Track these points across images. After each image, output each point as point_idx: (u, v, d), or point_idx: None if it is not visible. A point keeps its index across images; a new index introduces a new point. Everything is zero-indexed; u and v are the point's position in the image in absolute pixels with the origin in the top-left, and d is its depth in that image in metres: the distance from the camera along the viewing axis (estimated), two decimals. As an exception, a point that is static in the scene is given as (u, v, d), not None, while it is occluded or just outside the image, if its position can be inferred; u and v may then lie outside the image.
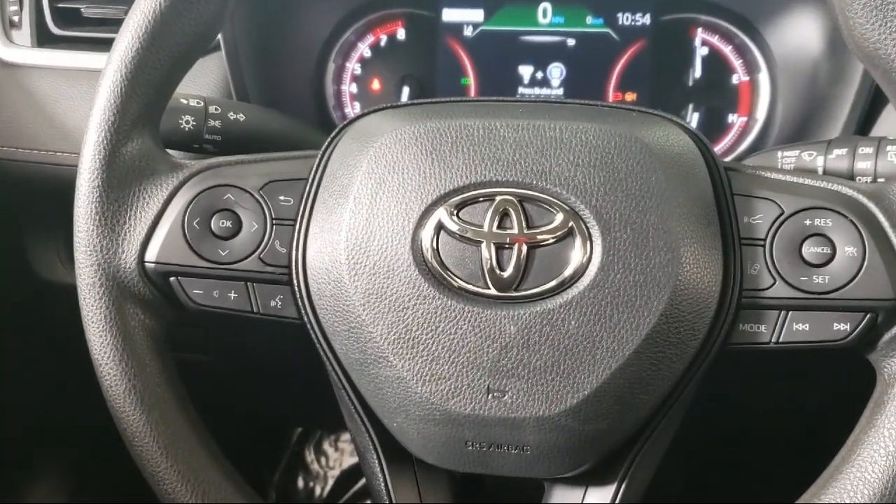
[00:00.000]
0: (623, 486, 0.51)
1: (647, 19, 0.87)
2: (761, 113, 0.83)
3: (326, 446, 1.57)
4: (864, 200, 0.47)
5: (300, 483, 1.53)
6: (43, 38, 0.89)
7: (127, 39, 0.50)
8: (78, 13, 0.86)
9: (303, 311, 0.51)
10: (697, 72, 0.86)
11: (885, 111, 0.70)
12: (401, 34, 0.92)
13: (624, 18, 0.88)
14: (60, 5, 0.86)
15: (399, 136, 0.49)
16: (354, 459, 1.54)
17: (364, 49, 0.92)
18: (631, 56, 0.88)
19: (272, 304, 0.53)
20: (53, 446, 1.13)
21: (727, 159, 0.84)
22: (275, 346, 0.83)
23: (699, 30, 0.85)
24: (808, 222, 0.48)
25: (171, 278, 0.53)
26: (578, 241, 0.46)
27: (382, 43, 0.92)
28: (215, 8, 0.53)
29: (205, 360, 0.89)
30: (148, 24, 0.50)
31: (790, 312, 0.49)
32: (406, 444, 0.51)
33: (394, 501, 0.54)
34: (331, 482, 1.51)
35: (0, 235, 0.95)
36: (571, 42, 0.89)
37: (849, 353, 0.49)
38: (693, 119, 0.86)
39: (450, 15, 0.91)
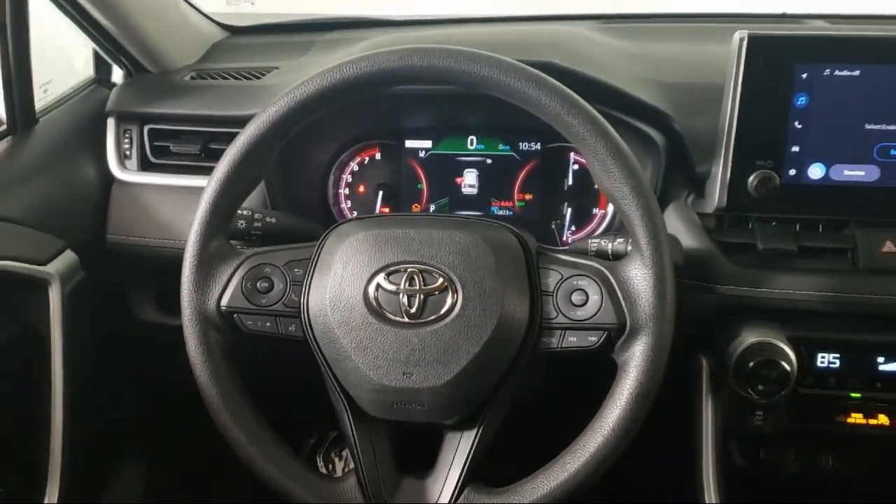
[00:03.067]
0: (481, 428, 0.78)
1: (538, 146, 1.15)
2: (611, 208, 1.11)
3: (333, 455, 1.74)
4: (605, 271, 0.76)
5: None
6: (145, 165, 1.14)
7: (210, 189, 0.79)
8: (168, 149, 1.12)
9: (307, 332, 0.79)
10: (570, 180, 1.14)
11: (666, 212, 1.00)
12: (377, 156, 1.19)
13: (523, 146, 1.15)
14: (156, 143, 1.13)
15: (357, 238, 0.79)
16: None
17: (353, 165, 1.20)
18: (528, 170, 1.15)
19: (290, 329, 0.80)
20: (134, 438, 1.36)
21: (591, 238, 1.13)
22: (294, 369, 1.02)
23: (572, 153, 1.13)
24: (575, 282, 0.76)
25: (234, 315, 0.80)
26: (450, 293, 0.75)
27: (366, 162, 1.19)
28: (261, 168, 0.81)
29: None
30: (222, 181, 0.78)
31: (566, 331, 0.76)
32: (362, 405, 0.79)
33: (356, 440, 0.81)
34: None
35: (115, 291, 1.18)
36: (489, 161, 1.16)
37: (601, 354, 0.76)
38: (568, 212, 1.14)
39: (410, 143, 1.18)
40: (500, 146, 1.17)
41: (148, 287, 1.20)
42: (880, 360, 0.92)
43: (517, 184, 1.17)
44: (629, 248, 0.82)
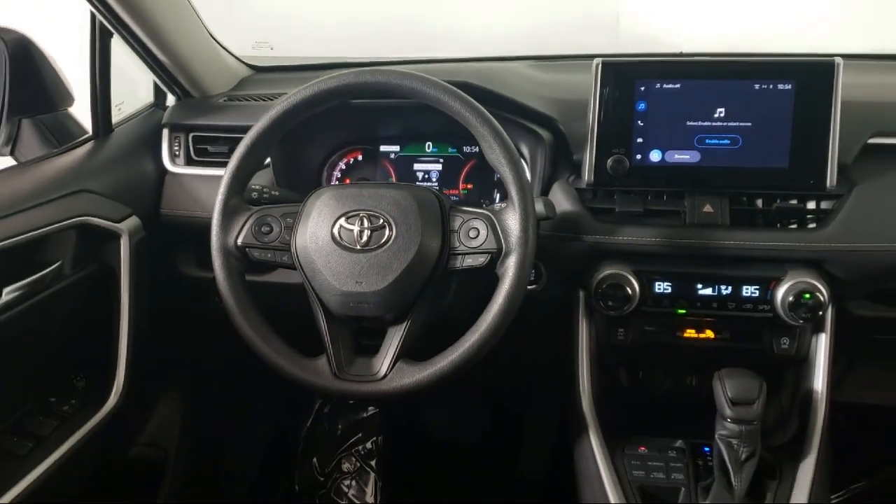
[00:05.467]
0: (409, 322, 1.04)
1: (476, 149, 1.45)
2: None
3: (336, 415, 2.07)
4: (491, 216, 1.07)
5: (318, 432, 2.04)
6: (189, 161, 1.44)
7: (231, 165, 1.11)
8: (206, 150, 1.43)
9: (295, 260, 1.08)
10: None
11: (553, 187, 1.34)
12: (359, 157, 1.51)
13: (466, 148, 1.47)
14: (198, 146, 1.44)
15: (327, 195, 1.11)
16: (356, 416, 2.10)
17: (341, 164, 1.53)
18: (470, 167, 1.47)
19: (283, 258, 1.07)
20: (177, 364, 1.68)
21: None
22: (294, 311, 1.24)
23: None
24: (472, 223, 1.03)
25: (246, 249, 1.07)
26: (387, 229, 1.05)
27: (351, 161, 1.52)
28: (265, 151, 1.11)
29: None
30: (238, 159, 1.07)
31: (465, 255, 1.02)
32: (329, 307, 1.05)
33: (327, 331, 1.08)
34: (339, 431, 2.03)
35: (164, 252, 1.46)
36: (441, 160, 1.48)
37: (487, 270, 1.01)
38: (497, 196, 1.47)
39: (383, 148, 1.49)
40: (450, 149, 1.49)
41: (189, 249, 1.50)
42: (699, 286, 1.25)
43: (461, 177, 1.49)
44: None
